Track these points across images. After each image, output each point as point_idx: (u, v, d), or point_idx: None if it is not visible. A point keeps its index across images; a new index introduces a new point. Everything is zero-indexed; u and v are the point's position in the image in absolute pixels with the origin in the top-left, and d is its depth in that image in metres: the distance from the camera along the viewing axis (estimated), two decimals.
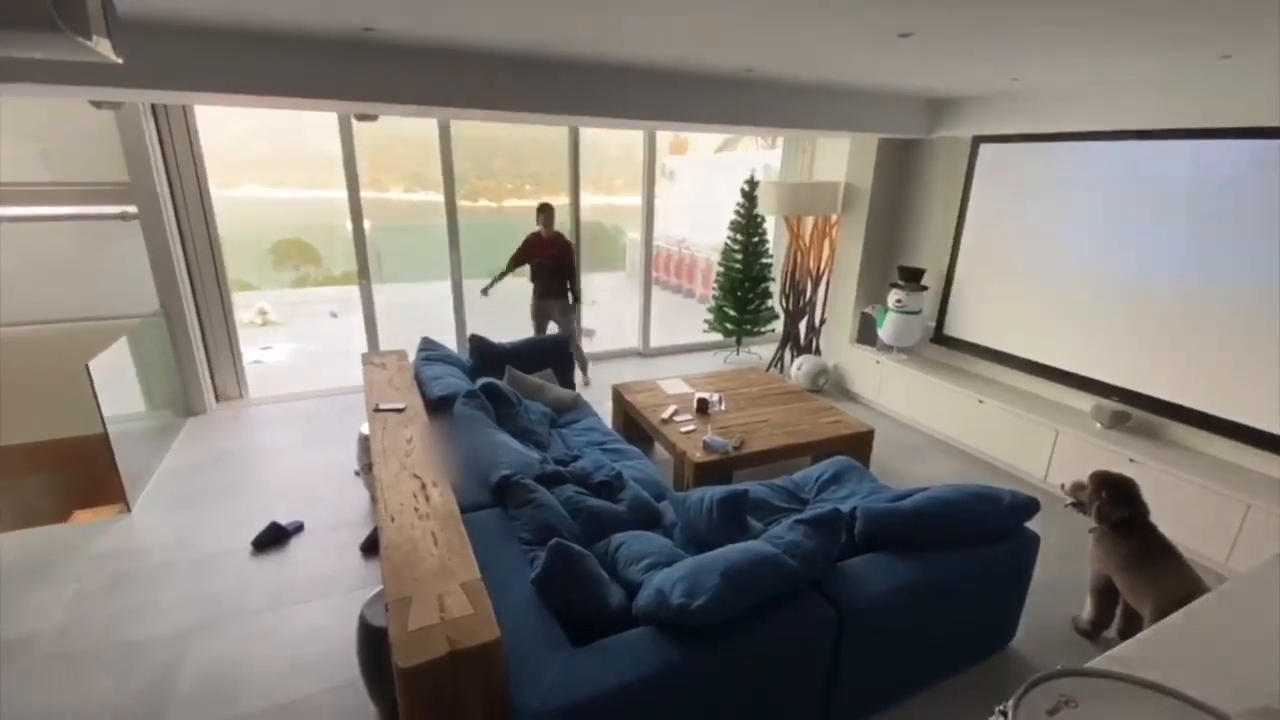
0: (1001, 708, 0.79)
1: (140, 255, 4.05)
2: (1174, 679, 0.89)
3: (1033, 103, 3.84)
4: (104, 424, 3.11)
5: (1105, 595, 2.52)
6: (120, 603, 2.68)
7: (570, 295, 5.07)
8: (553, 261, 4.90)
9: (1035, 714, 0.80)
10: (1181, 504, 3.13)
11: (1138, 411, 3.60)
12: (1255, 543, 2.89)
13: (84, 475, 3.54)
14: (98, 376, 3.07)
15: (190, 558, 2.98)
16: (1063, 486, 2.61)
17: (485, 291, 4.96)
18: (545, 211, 4.84)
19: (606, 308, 8.37)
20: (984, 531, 2.27)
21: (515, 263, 4.92)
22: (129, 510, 3.31)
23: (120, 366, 3.57)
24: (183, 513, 3.34)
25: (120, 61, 1.18)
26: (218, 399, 4.71)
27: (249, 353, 5.24)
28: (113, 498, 3.33)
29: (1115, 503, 2.42)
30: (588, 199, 5.72)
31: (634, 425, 3.97)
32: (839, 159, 5.31)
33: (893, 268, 5.02)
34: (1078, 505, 2.53)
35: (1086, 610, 2.60)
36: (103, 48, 1.09)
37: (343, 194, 4.75)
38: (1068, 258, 3.89)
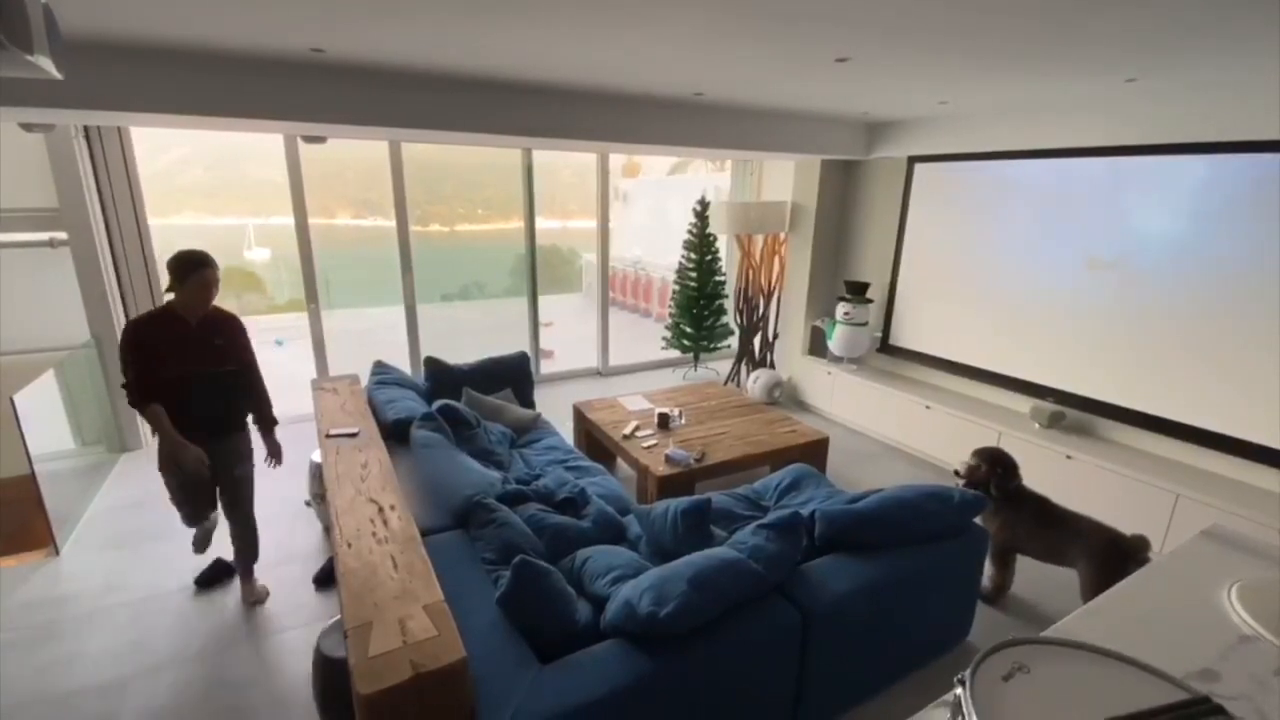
0: (959, 676, 0.83)
1: (70, 283, 3.85)
2: (1118, 645, 0.94)
3: (961, 124, 4.09)
4: (30, 462, 2.91)
5: (1004, 560, 2.81)
6: (48, 653, 2.49)
7: (257, 419, 2.80)
8: (216, 369, 2.55)
9: (991, 680, 0.84)
10: (1116, 497, 3.32)
11: (1072, 411, 3.81)
12: (1186, 529, 3.08)
13: (7, 518, 3.29)
14: (23, 411, 2.89)
15: (125, 601, 2.80)
16: (957, 473, 2.89)
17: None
18: (195, 269, 2.39)
19: (564, 329, 8.37)
20: (937, 529, 2.36)
21: (141, 390, 2.42)
22: (57, 553, 3.09)
23: (48, 401, 3.36)
24: (116, 554, 3.14)
25: (61, 77, 1.16)
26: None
27: None
28: (39, 541, 3.11)
29: (1008, 474, 2.75)
30: (542, 223, 5.74)
31: (596, 443, 3.96)
32: (785, 180, 5.51)
33: (840, 282, 5.22)
34: (972, 485, 2.79)
35: (989, 577, 2.80)
36: (44, 64, 1.07)
37: (287, 221, 4.64)
38: (1000, 269, 4.12)
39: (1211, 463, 3.29)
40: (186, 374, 2.48)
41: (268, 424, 2.82)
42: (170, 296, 2.46)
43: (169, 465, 2.58)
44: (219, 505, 2.79)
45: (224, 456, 2.66)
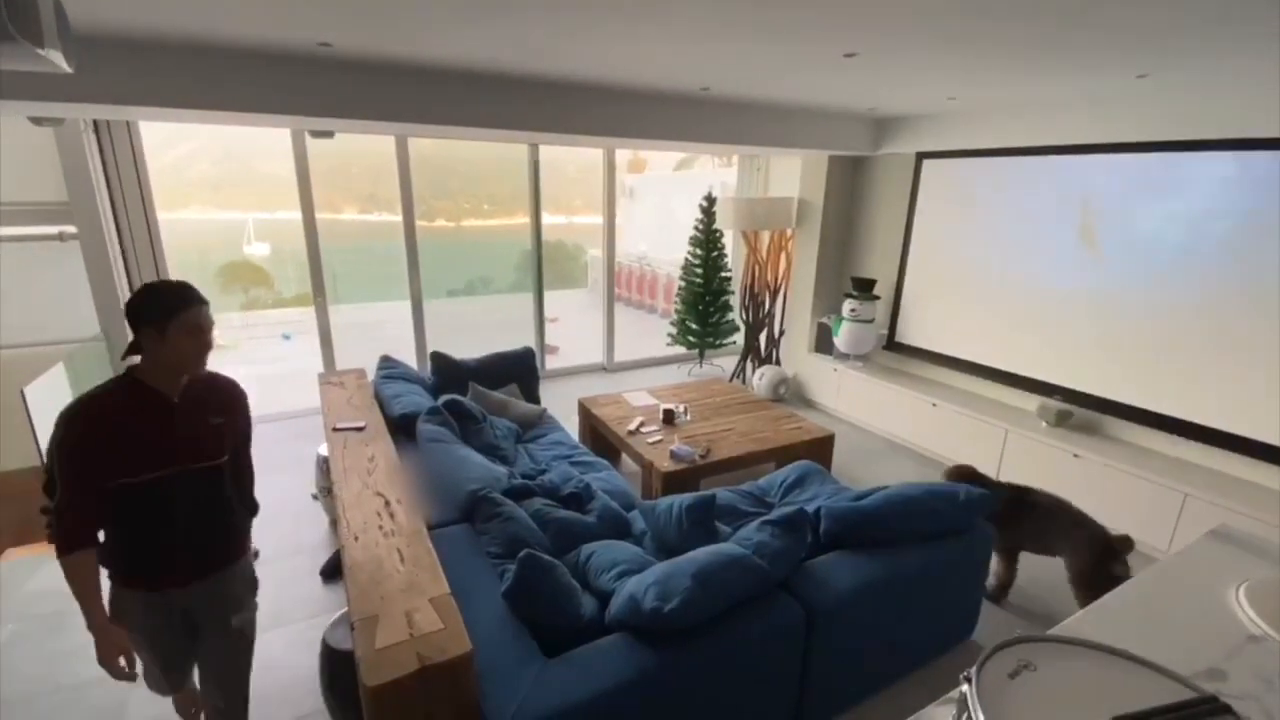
0: (966, 674, 0.83)
1: (79, 277, 3.88)
2: (1125, 644, 0.94)
3: (970, 120, 4.07)
4: (40, 454, 2.93)
5: (1009, 559, 2.81)
6: (57, 643, 2.52)
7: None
8: (210, 464, 1.61)
9: (997, 677, 0.84)
10: (1124, 496, 3.31)
11: (1080, 409, 3.79)
12: (1193, 530, 3.06)
13: (17, 510, 3.32)
14: (33, 403, 2.91)
15: None
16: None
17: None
18: (184, 307, 1.47)
19: (569, 325, 8.37)
20: (942, 527, 2.35)
21: (72, 523, 1.48)
22: None
23: (58, 393, 3.38)
24: None
25: (71, 71, 1.16)
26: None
27: None
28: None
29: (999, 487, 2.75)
30: (548, 219, 5.73)
31: (601, 438, 3.97)
32: (792, 176, 5.48)
33: (846, 279, 5.20)
34: None
35: (994, 575, 2.79)
36: (55, 58, 1.07)
37: (293, 215, 4.65)
38: (1008, 266, 4.09)
39: (1219, 462, 3.26)
40: (167, 477, 1.53)
41: (248, 511, 1.81)
42: (134, 360, 1.51)
43: (115, 644, 1.59)
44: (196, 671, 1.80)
45: (214, 600, 1.70)
